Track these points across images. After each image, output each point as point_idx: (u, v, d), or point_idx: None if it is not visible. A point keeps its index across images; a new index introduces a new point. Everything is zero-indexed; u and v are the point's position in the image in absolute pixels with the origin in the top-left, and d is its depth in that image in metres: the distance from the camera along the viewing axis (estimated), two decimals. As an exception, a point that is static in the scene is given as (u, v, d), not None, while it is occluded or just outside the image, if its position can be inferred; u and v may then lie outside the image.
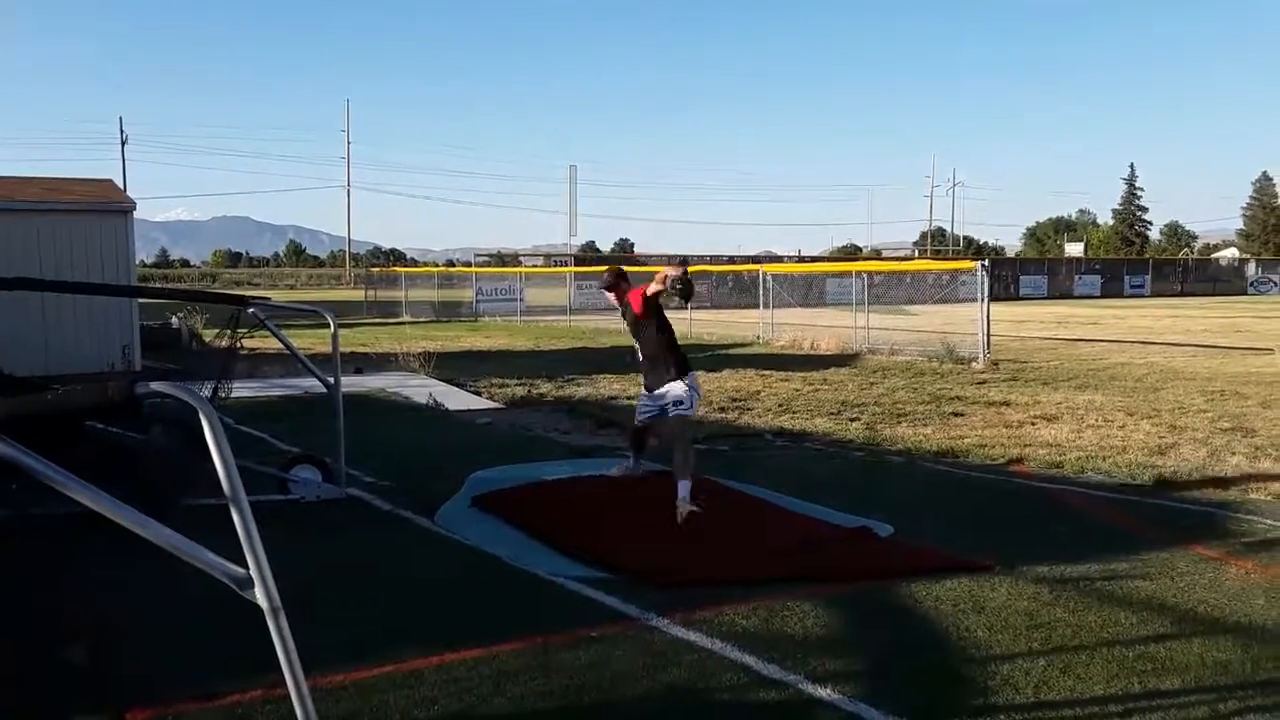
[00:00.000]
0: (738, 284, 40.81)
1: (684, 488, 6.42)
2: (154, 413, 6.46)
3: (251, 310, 6.69)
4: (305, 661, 4.07)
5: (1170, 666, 4.10)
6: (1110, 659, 4.17)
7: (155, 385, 2.60)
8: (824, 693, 3.87)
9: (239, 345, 6.73)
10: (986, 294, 17.29)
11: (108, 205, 14.02)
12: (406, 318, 35.14)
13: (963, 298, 27.47)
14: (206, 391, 6.49)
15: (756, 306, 24.47)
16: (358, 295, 49.60)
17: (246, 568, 2.63)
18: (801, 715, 3.74)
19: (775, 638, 4.44)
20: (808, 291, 34.96)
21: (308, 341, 15.25)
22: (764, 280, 24.63)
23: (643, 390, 7.20)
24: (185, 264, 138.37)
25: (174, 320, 20.65)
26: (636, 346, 7.15)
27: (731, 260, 50.81)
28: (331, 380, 7.05)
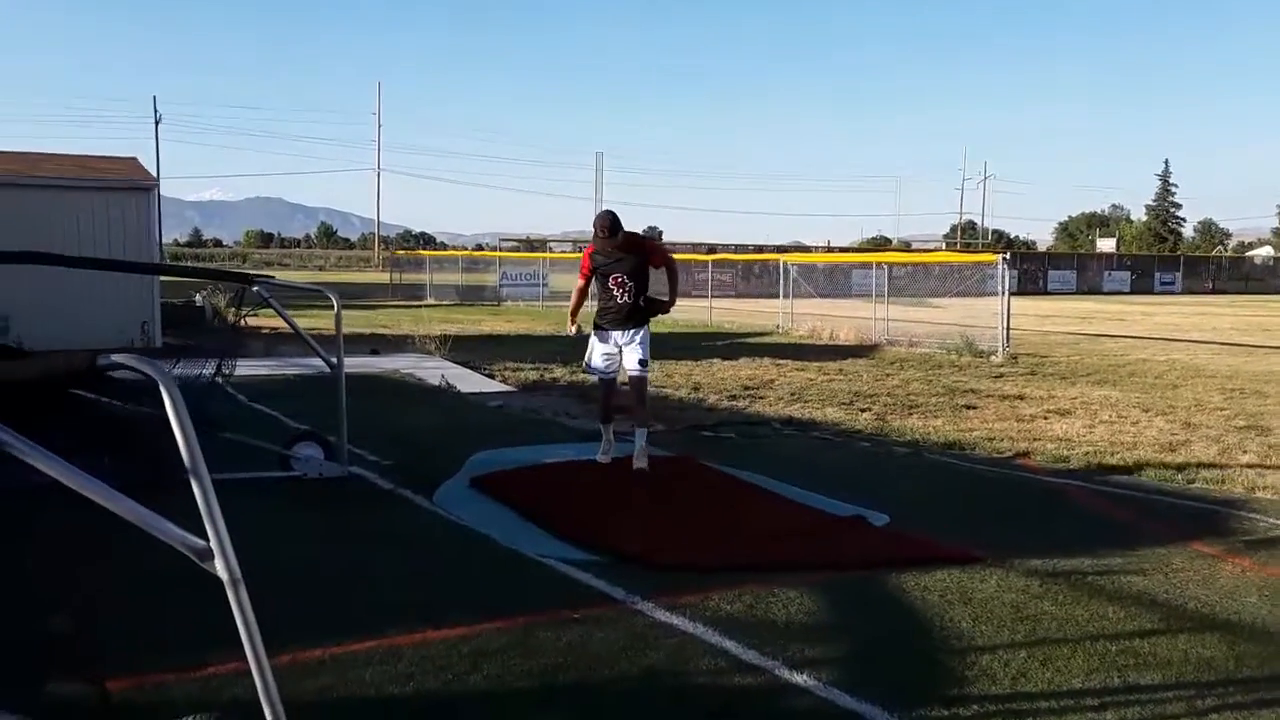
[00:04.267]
0: (763, 274, 40.70)
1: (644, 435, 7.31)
2: (143, 386, 6.53)
3: (256, 289, 6.74)
4: (287, 635, 4.13)
5: (1153, 662, 4.07)
6: (1092, 653, 4.14)
7: (116, 357, 2.62)
8: (800, 679, 3.86)
9: (242, 322, 6.78)
10: (1006, 287, 17.16)
11: (130, 182, 14.16)
12: (430, 300, 35.30)
13: (988, 291, 27.27)
14: (210, 368, 6.56)
15: (779, 296, 24.41)
16: (385, 278, 49.78)
17: (217, 540, 2.64)
18: (775, 700, 3.74)
19: (758, 623, 4.44)
20: (833, 282, 34.80)
21: (323, 321, 15.33)
22: (784, 270, 24.55)
23: (602, 336, 7.38)
24: (218, 243, 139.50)
25: (198, 298, 20.86)
26: (624, 289, 7.23)
27: (759, 250, 50.64)
28: (334, 360, 7.08)
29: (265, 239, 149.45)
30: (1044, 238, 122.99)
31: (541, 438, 8.84)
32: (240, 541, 5.74)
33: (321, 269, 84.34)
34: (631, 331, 7.32)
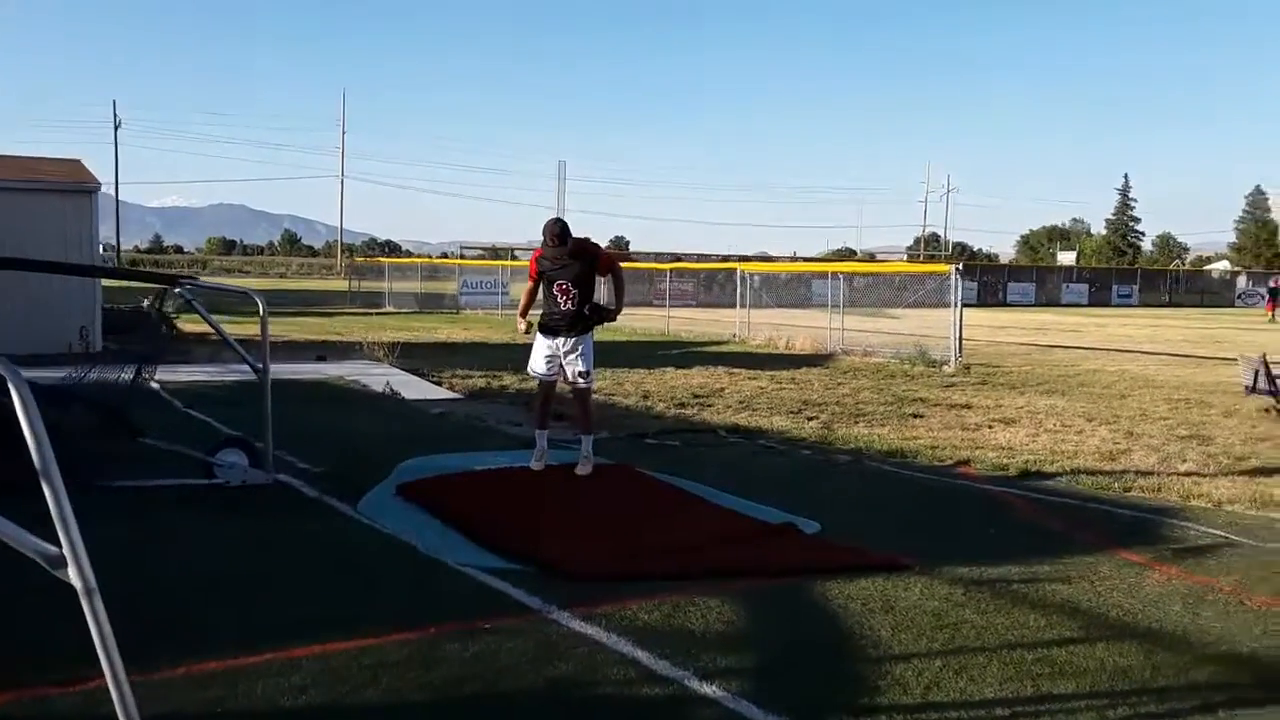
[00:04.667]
0: (726, 283, 40.68)
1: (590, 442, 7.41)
2: (75, 392, 6.36)
3: (179, 290, 6.58)
4: (184, 647, 4.00)
5: (1069, 670, 4.01)
6: (1008, 661, 4.08)
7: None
8: (709, 689, 3.77)
9: (167, 325, 6.62)
10: (959, 298, 17.24)
11: (71, 185, 13.90)
12: (389, 308, 35.04)
13: (945, 303, 27.44)
14: (129, 373, 6.39)
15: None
16: (346, 285, 49.33)
17: (70, 547, 2.51)
18: (681, 711, 3.65)
19: (673, 633, 4.34)
20: (793, 292, 34.86)
21: (271, 327, 15.07)
22: (740, 279, 24.53)
23: (545, 340, 7.42)
24: (179, 250, 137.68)
25: (145, 303, 20.51)
26: (568, 295, 7.25)
27: (725, 260, 50.66)
28: (260, 365, 6.92)
29: (228, 246, 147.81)
30: (1006, 251, 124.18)
31: (482, 445, 8.70)
32: (148, 550, 5.57)
33: (283, 276, 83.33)
34: (574, 340, 7.34)
